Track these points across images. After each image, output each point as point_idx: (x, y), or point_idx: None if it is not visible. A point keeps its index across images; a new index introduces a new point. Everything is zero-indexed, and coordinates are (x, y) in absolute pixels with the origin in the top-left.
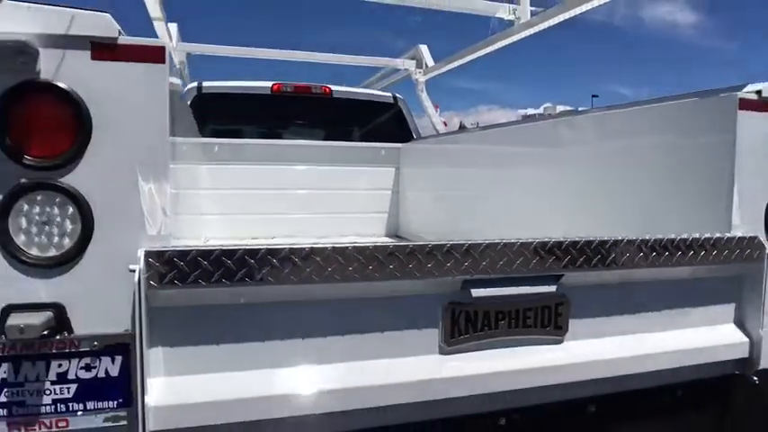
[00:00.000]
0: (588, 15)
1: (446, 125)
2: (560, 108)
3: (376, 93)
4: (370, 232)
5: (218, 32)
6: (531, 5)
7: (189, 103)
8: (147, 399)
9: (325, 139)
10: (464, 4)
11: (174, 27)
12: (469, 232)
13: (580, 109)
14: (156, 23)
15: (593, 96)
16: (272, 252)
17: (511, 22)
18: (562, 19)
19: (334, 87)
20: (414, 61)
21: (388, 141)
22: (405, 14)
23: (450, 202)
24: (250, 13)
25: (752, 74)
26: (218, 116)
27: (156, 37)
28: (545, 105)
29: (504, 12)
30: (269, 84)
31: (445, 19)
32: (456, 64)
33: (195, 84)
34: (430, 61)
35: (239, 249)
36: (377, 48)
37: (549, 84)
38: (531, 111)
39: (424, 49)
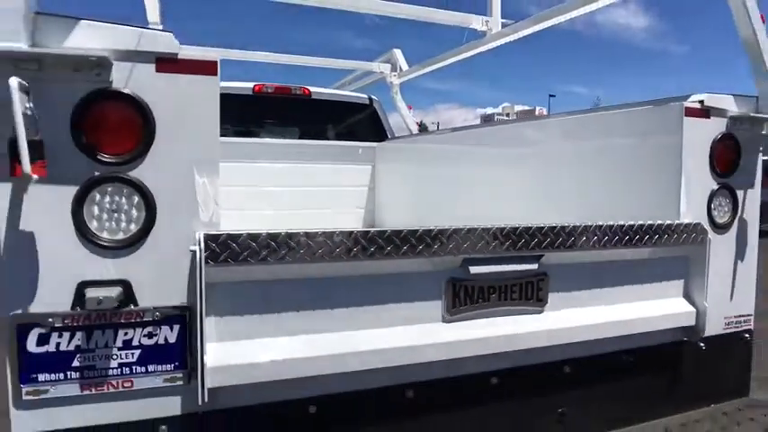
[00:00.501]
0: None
1: (419, 125)
2: (518, 108)
3: (352, 94)
4: (348, 227)
5: (185, 34)
6: (502, 18)
7: None
8: (205, 360)
9: (304, 138)
10: (441, 15)
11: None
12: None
13: (538, 108)
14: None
15: (551, 96)
16: (308, 235)
17: (483, 33)
18: (531, 31)
19: (312, 89)
20: (389, 65)
21: (364, 140)
22: (365, 14)
23: (423, 197)
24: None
25: (697, 75)
26: None
27: None
28: (503, 105)
29: (477, 23)
30: (250, 85)
31: (403, 21)
32: (429, 69)
33: None
34: (404, 65)
35: (281, 233)
36: (336, 46)
37: (507, 83)
38: (490, 110)
39: (398, 53)
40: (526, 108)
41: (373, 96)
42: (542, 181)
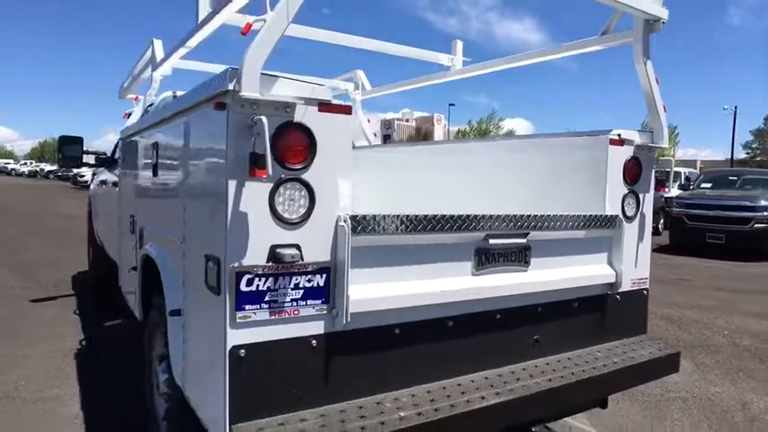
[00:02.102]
0: (445, 28)
1: (376, 135)
2: (417, 114)
3: None
4: None
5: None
6: (463, 56)
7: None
8: (348, 293)
9: None
10: (417, 52)
11: (159, 44)
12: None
13: (436, 115)
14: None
15: (450, 105)
16: (407, 216)
17: (448, 68)
18: (485, 71)
19: None
20: (352, 83)
21: None
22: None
23: (387, 201)
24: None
25: (584, 88)
26: None
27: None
28: (403, 110)
29: (444, 60)
30: None
31: None
32: (392, 90)
33: (171, 93)
34: (367, 85)
35: (391, 215)
36: (221, 45)
37: (407, 90)
38: (390, 115)
39: (361, 74)
40: (425, 114)
41: None
42: (503, 186)
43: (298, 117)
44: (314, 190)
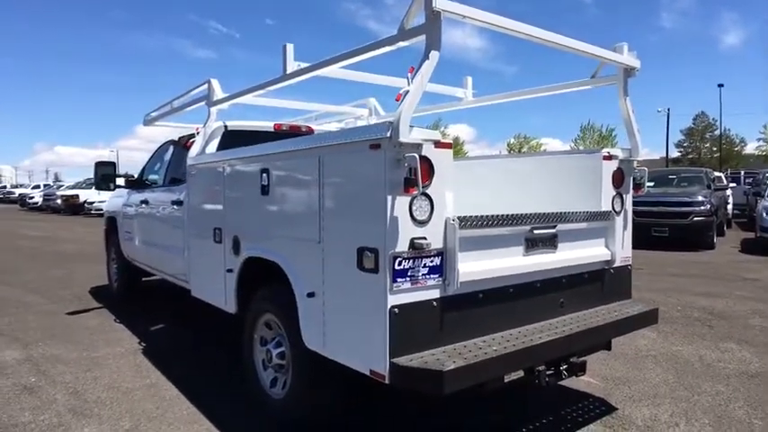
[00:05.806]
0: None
1: None
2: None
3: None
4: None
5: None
6: (473, 89)
7: (219, 137)
8: (458, 269)
9: None
10: (438, 88)
11: (216, 83)
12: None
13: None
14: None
15: None
16: (489, 215)
17: (460, 99)
18: (489, 103)
19: (314, 127)
20: (366, 109)
21: None
22: (206, 25)
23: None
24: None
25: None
26: (238, 146)
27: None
28: (347, 120)
29: (459, 93)
30: (271, 124)
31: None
32: None
33: (222, 123)
34: (381, 111)
35: (481, 215)
36: (175, 55)
37: (347, 96)
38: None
39: (374, 101)
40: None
41: None
42: (532, 190)
43: (424, 152)
44: (433, 200)
